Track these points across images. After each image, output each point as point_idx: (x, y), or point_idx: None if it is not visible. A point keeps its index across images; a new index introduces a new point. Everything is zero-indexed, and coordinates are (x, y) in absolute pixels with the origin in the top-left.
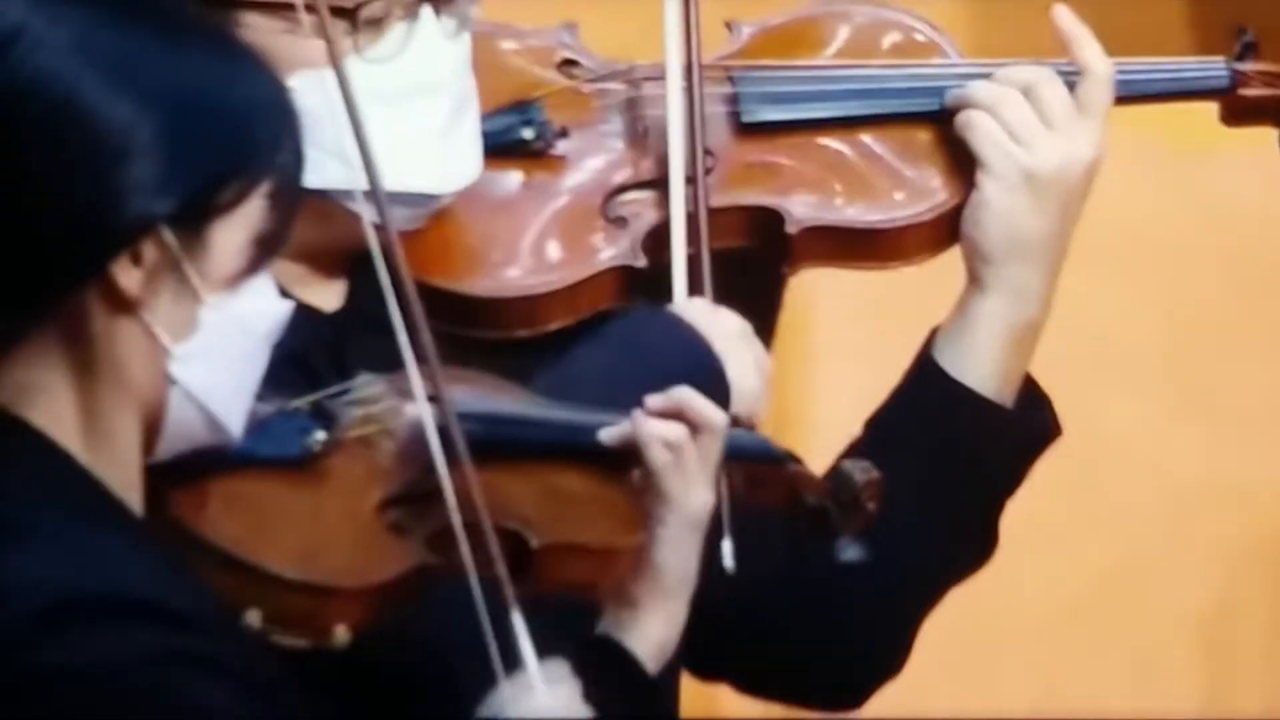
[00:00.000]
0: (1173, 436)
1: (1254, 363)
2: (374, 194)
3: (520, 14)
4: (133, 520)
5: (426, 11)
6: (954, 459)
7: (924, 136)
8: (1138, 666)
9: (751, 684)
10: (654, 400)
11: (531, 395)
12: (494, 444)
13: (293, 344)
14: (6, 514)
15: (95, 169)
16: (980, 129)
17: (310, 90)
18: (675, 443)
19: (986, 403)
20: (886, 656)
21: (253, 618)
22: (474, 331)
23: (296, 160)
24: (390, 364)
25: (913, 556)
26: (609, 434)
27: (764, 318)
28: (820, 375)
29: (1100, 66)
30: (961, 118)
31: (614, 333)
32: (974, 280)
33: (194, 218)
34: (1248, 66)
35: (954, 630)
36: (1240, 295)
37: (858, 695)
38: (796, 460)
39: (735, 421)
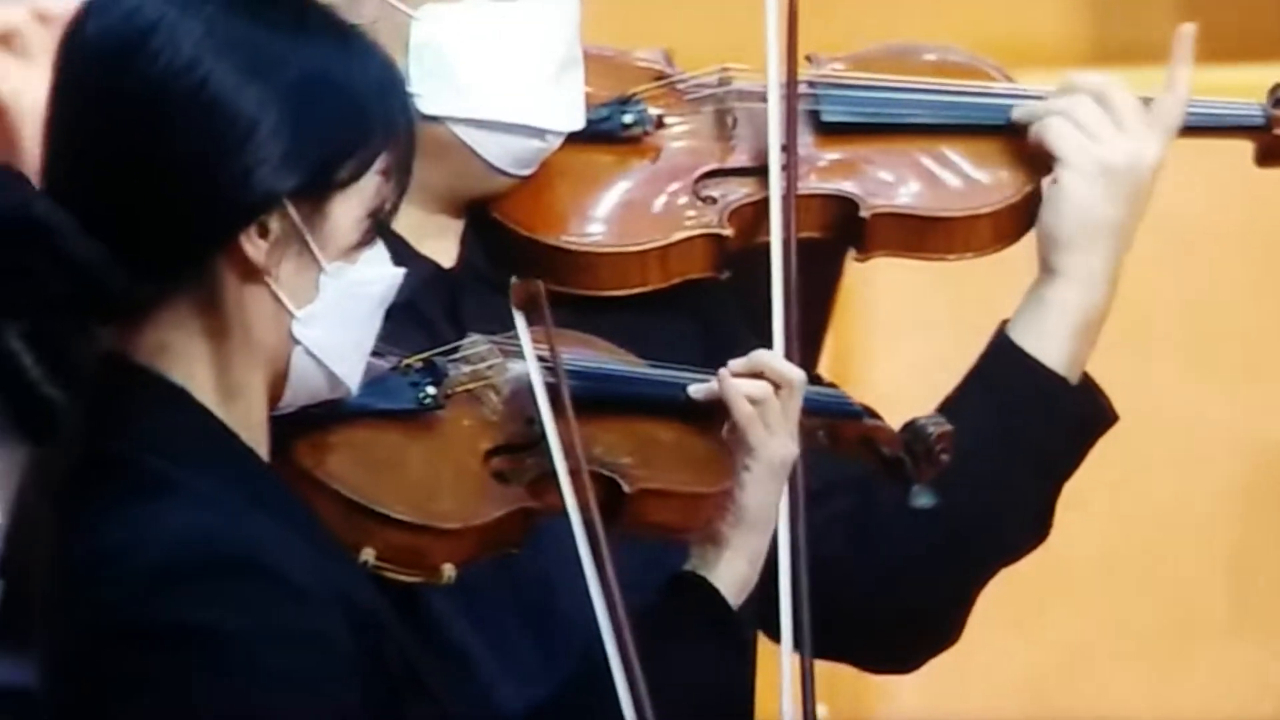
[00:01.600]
0: (1198, 395)
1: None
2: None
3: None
4: (262, 469)
5: None
6: (1025, 435)
7: (986, 144)
8: (1173, 620)
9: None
10: (736, 361)
11: (628, 355)
12: (593, 398)
13: (410, 295)
14: (153, 466)
15: (226, 148)
16: (1059, 127)
17: (433, 20)
18: (758, 396)
19: (1060, 379)
20: (943, 624)
21: (367, 555)
22: (572, 287)
23: (408, 139)
24: (499, 319)
25: (977, 531)
26: (698, 390)
27: (823, 300)
28: (878, 348)
29: (1184, 90)
30: (1040, 121)
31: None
32: (1047, 268)
33: (315, 192)
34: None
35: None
36: (1260, 267)
37: (910, 660)
38: (873, 414)
39: (816, 380)
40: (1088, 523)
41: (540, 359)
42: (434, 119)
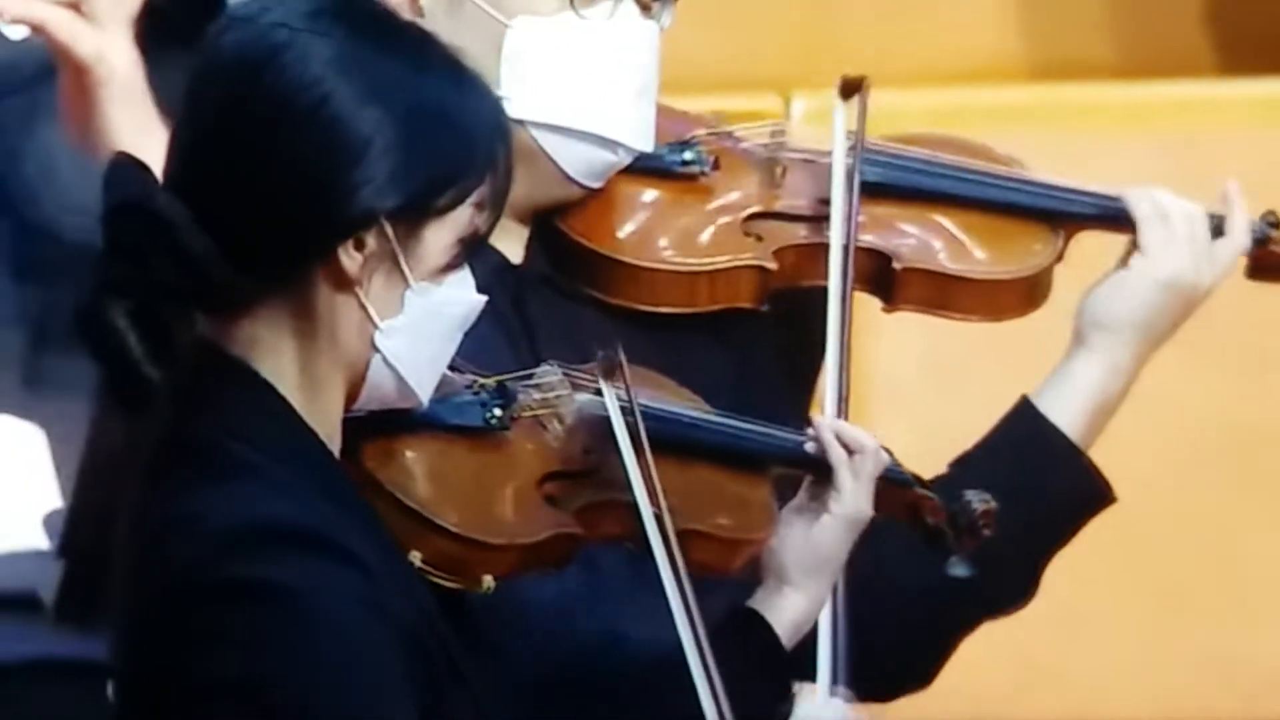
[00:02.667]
0: (1181, 384)
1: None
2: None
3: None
4: (333, 462)
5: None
6: (1033, 493)
7: (1009, 222)
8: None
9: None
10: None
11: (697, 399)
12: (656, 437)
13: (481, 281)
14: (234, 450)
15: (338, 164)
16: (1156, 224)
17: (526, 30)
18: (857, 446)
19: (1076, 448)
20: (923, 666)
21: (415, 557)
22: (623, 299)
23: (506, 177)
24: (560, 321)
25: (969, 593)
26: (798, 441)
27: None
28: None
29: (1243, 239)
30: (1141, 209)
31: None
32: (1083, 343)
33: (413, 215)
34: (1273, 232)
35: None
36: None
37: (888, 694)
38: (924, 484)
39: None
40: None
41: (622, 409)
42: (519, 122)
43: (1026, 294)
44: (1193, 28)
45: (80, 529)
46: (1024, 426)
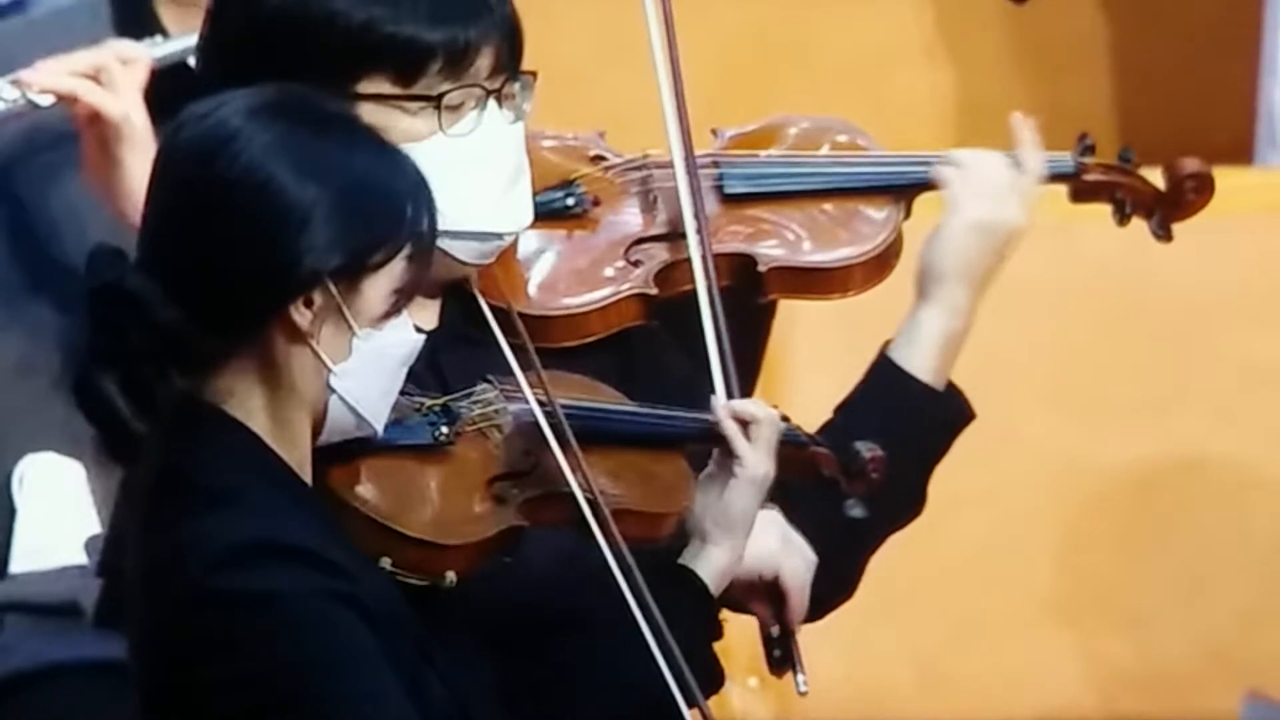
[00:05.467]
0: (1049, 424)
1: (1117, 370)
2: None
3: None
4: (304, 487)
5: (492, 103)
6: (902, 432)
7: (854, 202)
8: (1003, 631)
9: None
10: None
11: (616, 394)
12: (580, 432)
13: None
14: (215, 482)
15: (282, 234)
16: (957, 182)
17: (412, 156)
18: (748, 416)
19: (929, 389)
20: (843, 583)
21: (385, 563)
22: (537, 341)
23: (431, 232)
24: (474, 370)
25: (872, 508)
26: (698, 417)
27: (756, 336)
28: (798, 378)
29: (1036, 167)
30: (942, 173)
31: None
32: (922, 296)
33: (352, 273)
34: (1088, 159)
35: (890, 573)
36: (1103, 321)
37: (819, 607)
38: (817, 442)
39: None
40: (958, 528)
41: (541, 403)
42: None
43: (876, 267)
44: (1095, 122)
45: (115, 550)
46: (884, 377)
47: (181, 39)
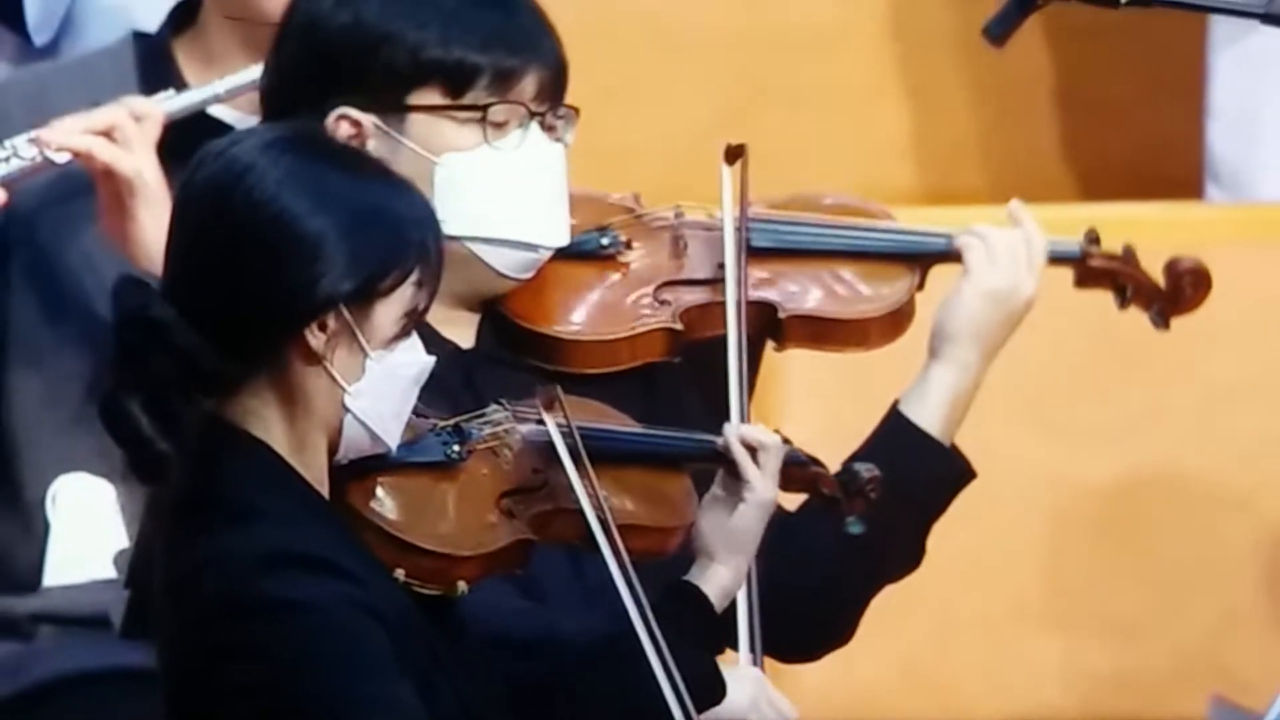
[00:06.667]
0: (1030, 442)
1: (1093, 391)
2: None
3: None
4: (323, 502)
5: (535, 125)
6: (909, 485)
7: (873, 266)
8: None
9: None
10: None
11: (620, 415)
12: (591, 450)
13: (437, 369)
14: (237, 497)
15: (296, 263)
16: (978, 250)
17: (452, 165)
18: (757, 444)
19: (938, 444)
20: (839, 626)
21: (399, 574)
22: (559, 366)
23: (437, 258)
24: (506, 389)
25: (870, 560)
26: (708, 441)
27: (751, 368)
28: (790, 414)
29: (1042, 244)
30: (965, 241)
31: None
32: (935, 355)
33: (363, 298)
34: (1092, 248)
35: None
36: (1079, 346)
37: (815, 649)
38: (818, 463)
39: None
40: (944, 538)
41: (540, 422)
42: (455, 238)
43: (891, 325)
44: (1054, 160)
45: (141, 564)
46: (894, 427)
47: (191, 93)
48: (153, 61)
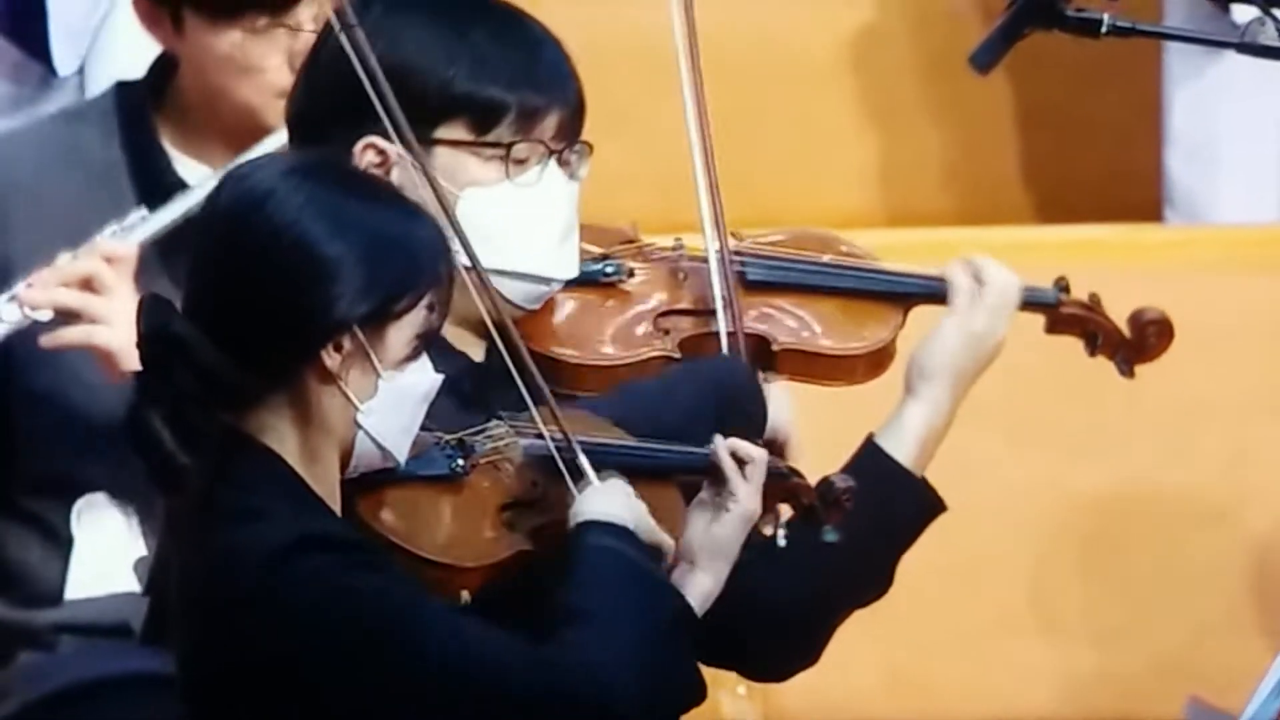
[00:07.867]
0: (1012, 454)
1: (1073, 405)
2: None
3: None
4: (333, 513)
5: (553, 162)
6: (880, 513)
7: (860, 304)
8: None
9: (712, 653)
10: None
11: (614, 428)
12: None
13: (453, 376)
14: (249, 502)
15: (314, 285)
16: (964, 294)
17: (472, 199)
18: (745, 456)
19: (911, 475)
20: (808, 649)
21: None
22: (567, 388)
23: (449, 283)
24: (514, 401)
25: (841, 583)
26: (699, 453)
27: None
28: None
29: (1015, 294)
30: (955, 278)
31: (685, 368)
32: (911, 392)
33: (377, 320)
34: (1065, 296)
35: None
36: (1060, 362)
37: (783, 670)
38: (798, 474)
39: (769, 446)
40: (927, 546)
41: (539, 436)
42: (472, 268)
43: (875, 362)
44: (1017, 183)
45: (159, 572)
46: (869, 460)
47: (161, 214)
48: (135, 127)
